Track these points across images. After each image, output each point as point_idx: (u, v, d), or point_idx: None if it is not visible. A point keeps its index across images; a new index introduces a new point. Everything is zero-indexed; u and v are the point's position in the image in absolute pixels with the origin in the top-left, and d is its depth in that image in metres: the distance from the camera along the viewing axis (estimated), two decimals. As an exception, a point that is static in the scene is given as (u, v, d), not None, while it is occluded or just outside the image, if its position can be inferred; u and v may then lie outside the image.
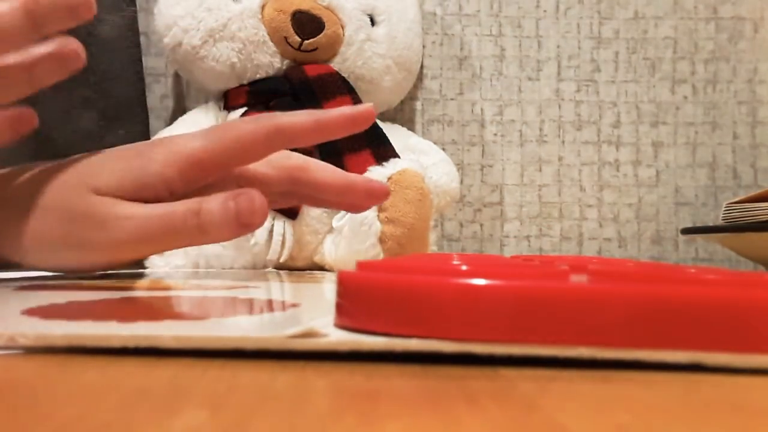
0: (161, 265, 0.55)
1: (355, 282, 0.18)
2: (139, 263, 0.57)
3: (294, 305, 0.25)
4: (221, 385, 0.14)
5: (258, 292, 0.31)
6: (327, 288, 0.35)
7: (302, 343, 0.16)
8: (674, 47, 0.80)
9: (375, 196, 0.41)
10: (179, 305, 0.26)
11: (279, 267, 0.61)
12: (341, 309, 0.18)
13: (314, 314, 0.22)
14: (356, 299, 0.18)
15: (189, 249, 0.55)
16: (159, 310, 0.24)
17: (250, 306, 0.25)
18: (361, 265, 0.21)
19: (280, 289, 0.34)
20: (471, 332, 0.16)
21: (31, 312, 0.22)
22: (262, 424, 0.11)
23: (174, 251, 0.55)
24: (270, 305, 0.25)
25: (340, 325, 0.18)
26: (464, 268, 0.20)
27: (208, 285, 0.35)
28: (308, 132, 0.36)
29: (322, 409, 0.12)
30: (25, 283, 0.34)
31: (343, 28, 0.65)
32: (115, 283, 0.36)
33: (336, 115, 0.37)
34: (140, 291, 0.31)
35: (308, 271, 0.59)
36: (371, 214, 0.56)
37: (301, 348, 0.16)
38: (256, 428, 0.11)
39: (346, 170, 0.60)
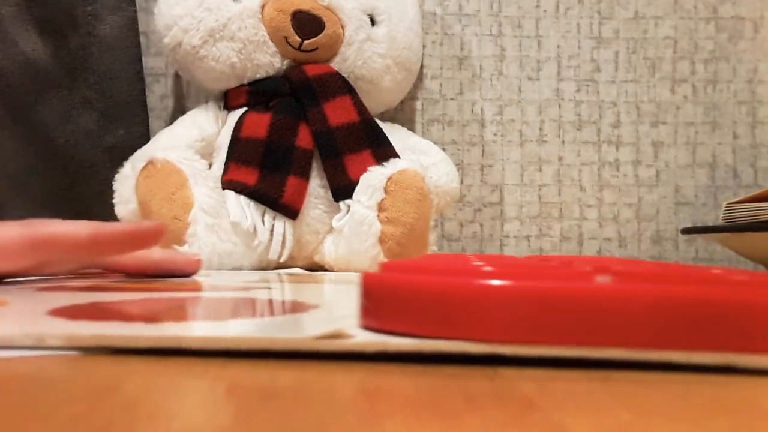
0: None
1: (381, 283, 0.18)
2: None
3: (313, 306, 0.25)
4: (221, 384, 0.14)
5: (276, 293, 0.31)
6: (344, 289, 0.34)
7: (330, 344, 0.16)
8: (674, 47, 0.80)
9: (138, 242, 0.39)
10: (203, 306, 0.26)
11: (279, 267, 0.61)
12: (366, 310, 0.18)
13: (336, 315, 0.22)
14: (382, 301, 0.18)
15: (203, 247, 0.56)
16: (183, 311, 0.24)
17: (271, 307, 0.25)
18: (385, 266, 0.20)
19: (297, 290, 0.34)
20: (500, 334, 0.16)
21: (56, 312, 0.22)
22: (262, 424, 0.11)
23: (189, 248, 0.55)
24: (291, 306, 0.25)
25: (366, 326, 0.18)
26: (488, 269, 0.19)
27: (228, 286, 0.35)
28: (80, 245, 0.35)
29: (322, 409, 0.12)
30: (46, 284, 0.34)
31: (343, 28, 0.65)
32: (136, 284, 0.36)
33: (115, 231, 0.37)
34: (162, 292, 0.31)
35: (307, 272, 0.59)
36: (371, 213, 0.56)
37: (329, 349, 0.16)
38: (256, 428, 0.11)
39: (347, 170, 0.61)
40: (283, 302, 0.27)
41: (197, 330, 0.18)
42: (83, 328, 0.19)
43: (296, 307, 0.25)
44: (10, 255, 0.34)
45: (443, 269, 0.19)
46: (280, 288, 0.35)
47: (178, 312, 0.24)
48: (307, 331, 0.17)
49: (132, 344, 0.17)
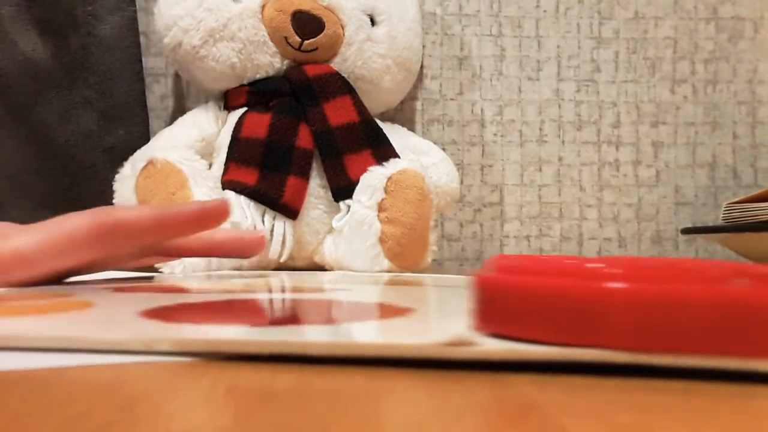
0: (175, 263, 0.54)
1: (505, 287, 0.17)
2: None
3: (411, 310, 0.24)
4: (221, 385, 0.14)
5: (356, 294, 0.31)
6: (427, 291, 0.33)
7: (458, 351, 0.16)
8: (674, 47, 0.80)
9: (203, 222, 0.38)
10: (296, 309, 0.25)
11: (279, 267, 0.61)
12: (485, 315, 0.17)
13: (439, 319, 0.22)
14: (506, 305, 0.17)
15: None
16: (280, 314, 0.24)
17: (370, 310, 0.24)
18: (502, 268, 0.19)
19: (376, 292, 0.33)
20: (644, 342, 0.15)
21: (147, 314, 0.21)
22: (262, 424, 0.11)
23: None
24: (389, 310, 0.24)
25: (488, 333, 0.17)
26: (617, 271, 0.18)
27: (300, 287, 0.34)
28: (148, 229, 0.35)
29: (322, 410, 0.12)
30: (119, 285, 0.34)
31: (343, 28, 0.65)
32: (200, 284, 0.35)
33: (180, 212, 0.36)
34: (242, 293, 0.30)
35: (308, 272, 0.59)
36: (371, 213, 0.56)
37: (459, 357, 0.16)
38: (256, 428, 0.11)
39: (347, 170, 0.61)
40: (378, 305, 0.26)
41: (312, 335, 0.18)
42: (192, 332, 0.18)
43: (397, 312, 0.23)
44: (80, 245, 0.33)
45: (564, 271, 0.18)
46: (357, 289, 0.33)
47: (275, 315, 0.23)
48: (420, 336, 0.17)
49: (253, 350, 0.16)
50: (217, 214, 0.37)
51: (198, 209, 0.37)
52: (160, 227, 0.36)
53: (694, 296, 0.14)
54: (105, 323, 0.20)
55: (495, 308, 0.17)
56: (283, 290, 0.33)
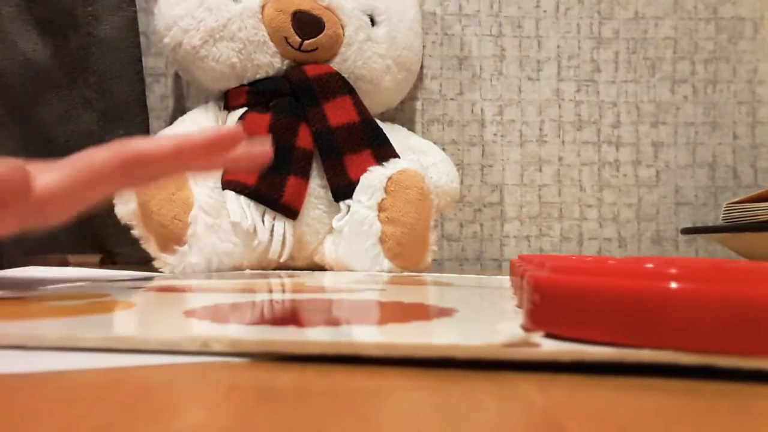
0: (175, 263, 0.54)
1: (568, 287, 0.16)
2: (149, 265, 0.56)
3: (453, 310, 0.23)
4: (221, 385, 0.14)
5: (392, 294, 0.30)
6: (462, 292, 0.33)
7: (520, 352, 0.15)
8: (674, 47, 0.80)
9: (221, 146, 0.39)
10: (339, 309, 0.25)
11: (279, 267, 0.61)
12: (542, 315, 0.17)
13: (486, 320, 0.21)
14: (568, 305, 0.16)
15: (203, 247, 0.55)
16: (324, 314, 0.23)
17: (414, 311, 0.24)
18: (556, 269, 0.19)
19: (410, 292, 0.32)
20: (715, 343, 0.15)
21: (191, 314, 0.21)
22: (262, 424, 0.11)
23: (188, 250, 0.55)
24: (435, 311, 0.24)
25: (541, 333, 0.17)
26: (673, 271, 0.18)
27: (334, 288, 0.34)
28: (167, 158, 0.36)
29: (322, 409, 0.12)
30: (154, 285, 0.34)
31: (343, 28, 0.65)
32: (237, 284, 0.35)
33: (196, 139, 0.37)
34: (281, 293, 0.30)
35: (308, 271, 0.59)
36: (371, 213, 0.56)
37: (519, 358, 0.15)
38: (256, 428, 0.11)
39: (347, 170, 0.61)
40: (423, 306, 0.26)
41: (362, 336, 0.18)
42: (247, 332, 0.18)
43: (442, 312, 0.23)
44: (105, 177, 0.34)
45: (620, 272, 0.18)
46: (391, 290, 0.33)
47: (321, 316, 0.23)
48: (474, 337, 0.16)
49: (303, 351, 0.16)
50: (231, 138, 0.38)
51: (213, 135, 0.38)
52: (178, 155, 0.37)
53: (760, 298, 0.14)
54: (155, 323, 0.20)
55: (553, 309, 0.17)
56: (312, 290, 0.32)
